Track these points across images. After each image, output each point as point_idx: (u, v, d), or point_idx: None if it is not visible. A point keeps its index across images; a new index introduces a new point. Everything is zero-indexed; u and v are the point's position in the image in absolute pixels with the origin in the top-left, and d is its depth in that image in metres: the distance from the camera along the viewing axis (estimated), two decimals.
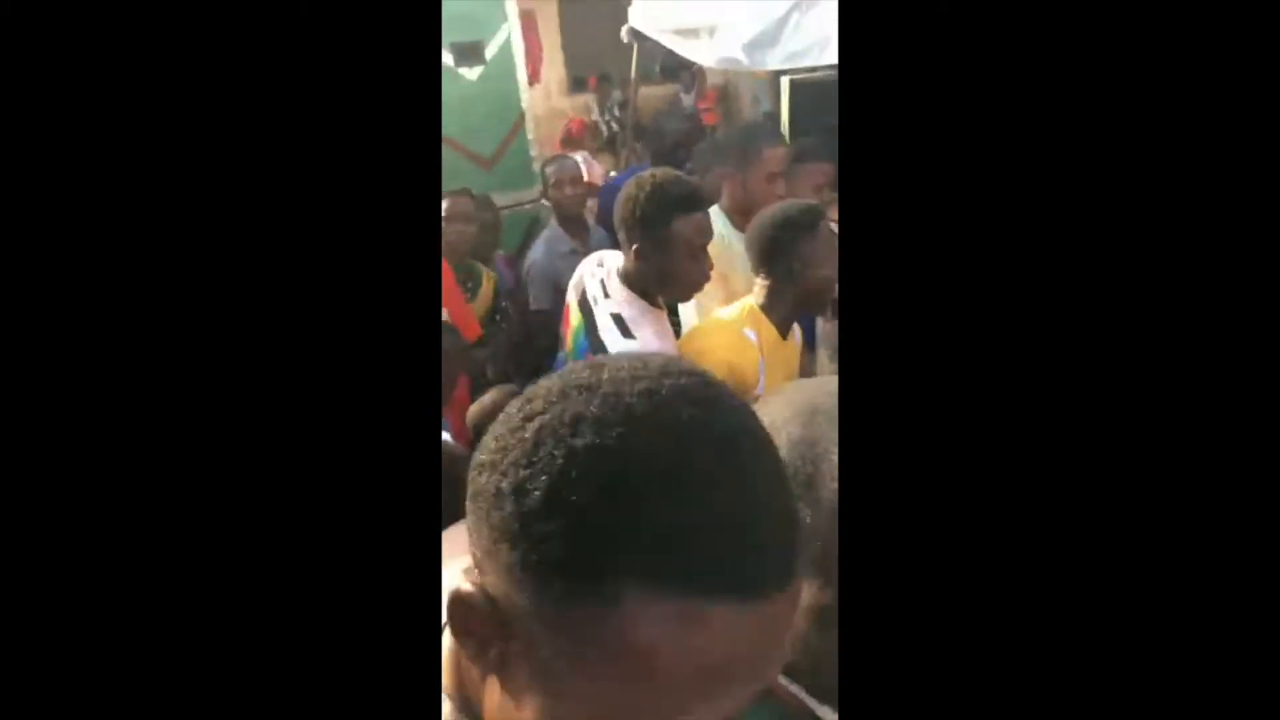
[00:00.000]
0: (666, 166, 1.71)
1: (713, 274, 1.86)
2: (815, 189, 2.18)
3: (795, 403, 0.62)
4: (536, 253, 2.58)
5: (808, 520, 0.55)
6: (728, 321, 1.58)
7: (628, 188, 1.51)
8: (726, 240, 1.99)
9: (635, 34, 3.17)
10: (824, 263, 1.52)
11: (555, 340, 1.71)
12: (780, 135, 2.02)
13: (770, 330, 1.56)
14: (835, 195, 2.52)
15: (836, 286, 1.55)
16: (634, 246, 1.50)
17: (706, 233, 1.50)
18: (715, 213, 2.03)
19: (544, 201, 2.98)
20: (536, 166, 3.11)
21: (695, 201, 1.49)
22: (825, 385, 0.63)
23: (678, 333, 1.90)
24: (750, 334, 1.53)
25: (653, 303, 1.58)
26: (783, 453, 0.52)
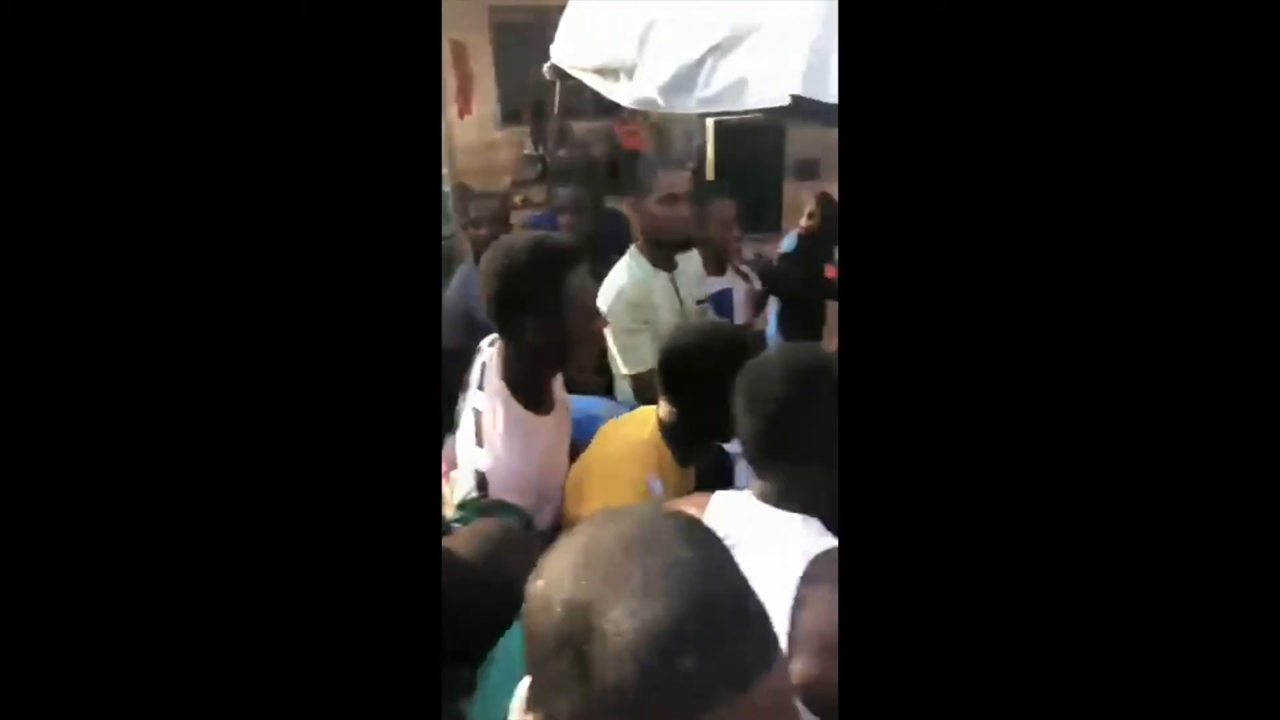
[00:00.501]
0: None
1: (638, 325, 1.79)
2: (723, 223, 2.18)
3: (579, 552, 0.47)
4: (451, 287, 2.52)
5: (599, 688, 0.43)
6: (628, 464, 1.26)
7: (486, 263, 1.23)
8: (645, 283, 1.91)
9: (556, 71, 3.16)
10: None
11: (456, 381, 1.56)
12: (680, 162, 2.00)
13: (673, 470, 1.30)
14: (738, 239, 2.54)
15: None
16: (506, 332, 1.23)
17: (594, 290, 1.36)
18: (631, 252, 1.99)
19: (466, 231, 2.92)
20: (452, 202, 3.04)
21: (577, 255, 1.25)
22: (620, 526, 0.48)
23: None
24: (656, 485, 1.24)
25: (533, 403, 1.26)
26: (557, 617, 0.43)
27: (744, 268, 2.60)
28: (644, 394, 1.90)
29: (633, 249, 2.00)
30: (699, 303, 2.08)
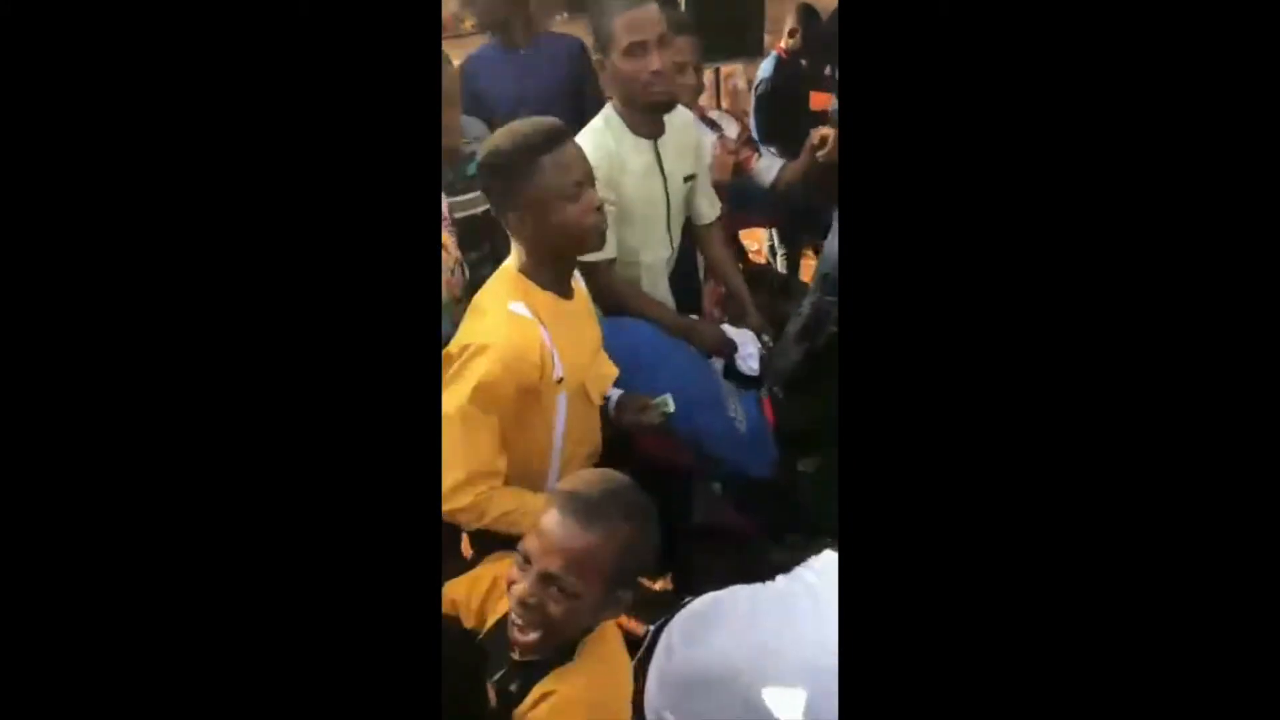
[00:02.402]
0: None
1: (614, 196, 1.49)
2: (678, 68, 1.73)
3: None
4: None
5: None
6: (488, 298, 1.22)
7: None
8: (614, 153, 1.54)
9: None
10: (570, 190, 1.15)
11: None
12: None
13: (543, 296, 1.21)
14: (699, 80, 2.11)
15: (599, 216, 1.20)
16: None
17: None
18: (606, 114, 1.59)
19: None
20: None
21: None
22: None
23: None
24: (519, 308, 1.17)
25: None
26: None
27: (713, 114, 2.20)
28: (598, 292, 1.56)
29: (608, 108, 1.61)
30: (687, 179, 1.70)
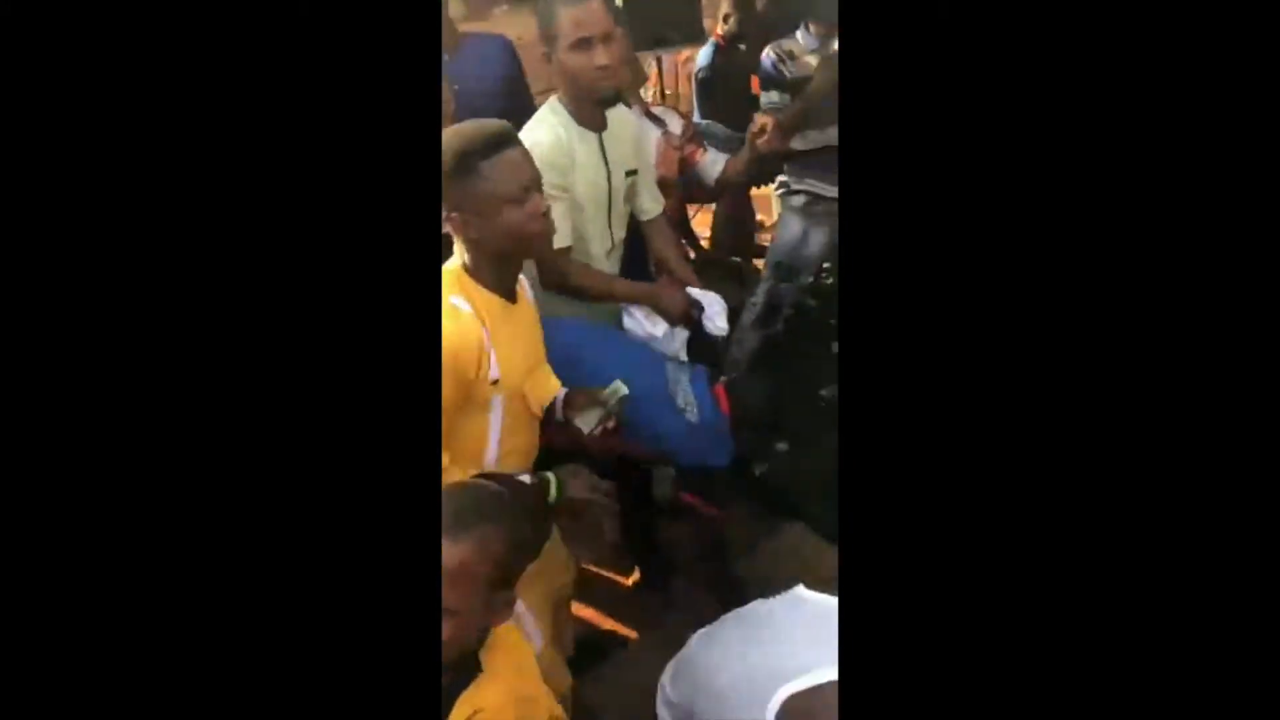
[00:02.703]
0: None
1: (553, 192, 1.44)
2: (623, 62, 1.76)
3: None
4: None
5: None
6: None
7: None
8: (564, 143, 1.54)
9: None
10: (516, 194, 1.16)
11: None
12: None
13: (485, 295, 1.22)
14: (641, 74, 2.13)
15: (545, 221, 1.21)
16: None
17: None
18: (552, 105, 1.59)
19: None
20: None
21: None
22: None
23: None
24: (459, 302, 1.18)
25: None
26: None
27: (657, 110, 2.21)
28: (556, 278, 1.58)
29: (553, 100, 1.62)
30: (629, 174, 1.71)
